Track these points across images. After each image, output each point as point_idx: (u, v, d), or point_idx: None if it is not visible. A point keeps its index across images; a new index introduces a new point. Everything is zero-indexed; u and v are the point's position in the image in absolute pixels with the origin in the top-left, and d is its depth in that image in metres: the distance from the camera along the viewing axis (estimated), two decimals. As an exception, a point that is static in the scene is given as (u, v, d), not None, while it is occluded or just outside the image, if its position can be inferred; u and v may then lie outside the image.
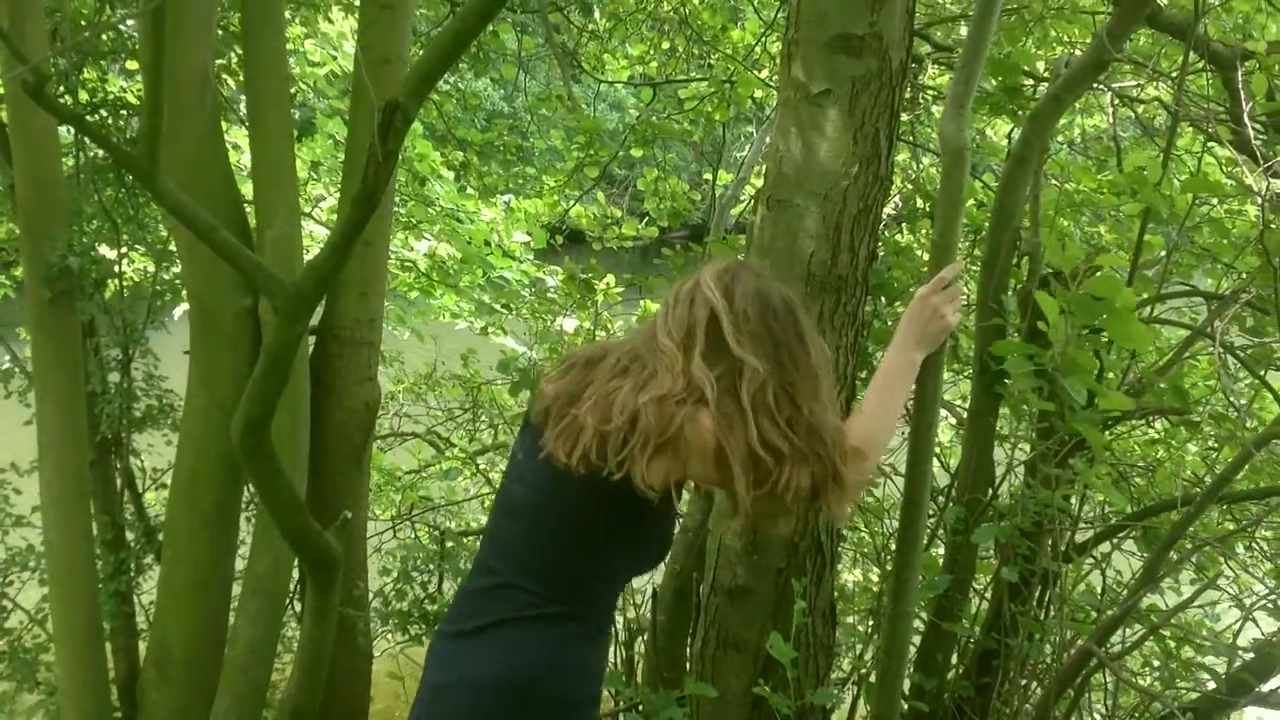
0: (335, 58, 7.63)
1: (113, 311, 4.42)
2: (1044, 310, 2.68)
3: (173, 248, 4.62)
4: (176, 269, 4.72)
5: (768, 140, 5.86)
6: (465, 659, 2.28)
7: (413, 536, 5.81)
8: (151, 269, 4.82)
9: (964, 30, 6.12)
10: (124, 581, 4.34)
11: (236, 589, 4.09)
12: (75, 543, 4.06)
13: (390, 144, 2.29)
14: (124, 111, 4.64)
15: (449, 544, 4.69)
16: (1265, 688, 3.35)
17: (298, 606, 4.50)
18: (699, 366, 2.14)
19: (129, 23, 4.75)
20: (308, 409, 3.98)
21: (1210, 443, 4.64)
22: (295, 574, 4.20)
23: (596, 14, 7.93)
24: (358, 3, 4.94)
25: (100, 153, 4.50)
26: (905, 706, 3.45)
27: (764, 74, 6.70)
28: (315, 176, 7.37)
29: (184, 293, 4.38)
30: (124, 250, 4.50)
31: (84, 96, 4.52)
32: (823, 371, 2.25)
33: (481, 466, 7.10)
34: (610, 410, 2.10)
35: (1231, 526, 3.87)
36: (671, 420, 2.07)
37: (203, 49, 3.77)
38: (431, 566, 4.54)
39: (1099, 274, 2.81)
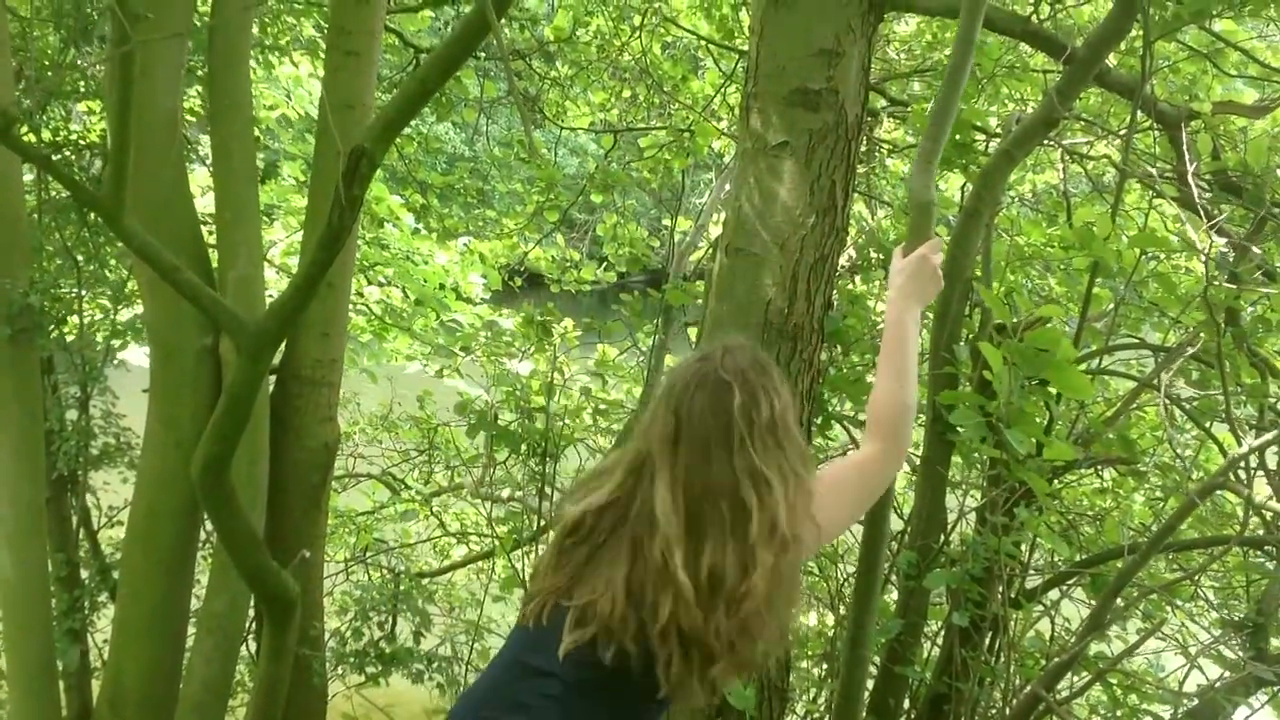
0: (289, 101, 7.63)
1: (72, 349, 4.41)
2: (988, 360, 2.75)
3: (132, 286, 4.62)
4: (136, 308, 4.72)
5: (726, 188, 5.93)
6: None
7: (367, 578, 5.81)
8: (110, 308, 4.81)
9: (917, 86, 6.25)
10: (78, 619, 4.31)
11: (192, 628, 4.07)
12: (30, 579, 4.04)
13: (355, 189, 2.33)
14: (88, 151, 4.65)
15: (403, 586, 4.69)
16: (1210, 734, 3.42)
17: (253, 646, 4.49)
18: None
19: (88, 60, 4.77)
20: (267, 448, 3.98)
21: (1157, 493, 4.72)
22: (251, 613, 4.20)
23: (559, 63, 8.02)
24: (323, 47, 4.99)
25: (63, 190, 4.51)
26: (858, 750, 3.48)
27: (723, 124, 6.79)
28: (269, 220, 7.36)
29: (144, 332, 4.39)
30: (84, 289, 4.50)
31: (47, 135, 4.53)
32: None
33: (435, 509, 7.11)
34: None
35: (1177, 574, 3.94)
36: None
37: (170, 92, 3.80)
38: (386, 607, 4.54)
39: (1042, 325, 2.89)
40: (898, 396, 2.26)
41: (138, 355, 4.85)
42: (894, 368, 2.29)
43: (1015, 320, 3.04)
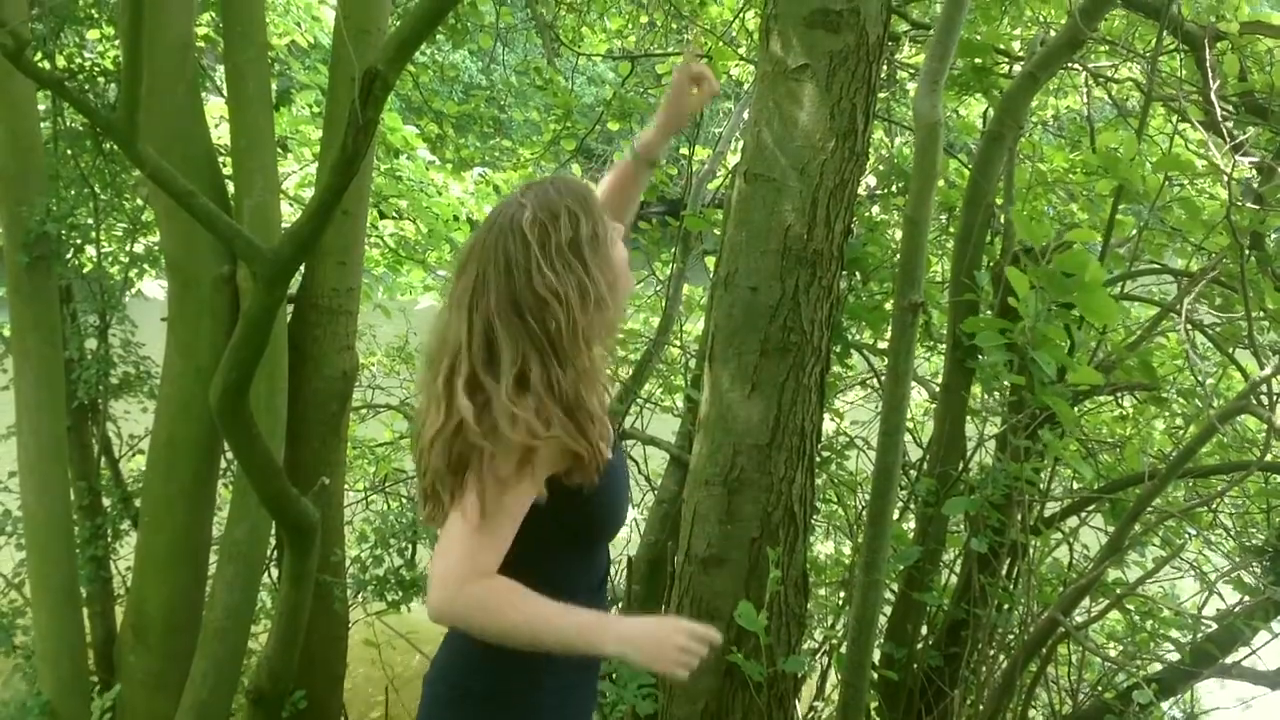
0: (300, 29, 7.54)
1: (90, 278, 4.42)
2: (1014, 285, 2.72)
3: (149, 216, 4.61)
4: (153, 239, 4.72)
5: (744, 116, 5.87)
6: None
7: (386, 507, 5.83)
8: (126, 239, 4.81)
9: (940, 8, 6.15)
10: (101, 546, 4.36)
11: (214, 556, 4.10)
12: (52, 508, 4.08)
13: (370, 111, 2.31)
14: (101, 79, 4.62)
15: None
16: (1229, 659, 3.42)
17: (275, 573, 4.52)
18: None
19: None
20: (286, 376, 3.98)
21: (1177, 421, 4.70)
22: (272, 540, 4.22)
23: (575, -13, 7.91)
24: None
25: (78, 119, 4.49)
26: (875, 675, 3.50)
27: (741, 50, 6.70)
28: (283, 151, 7.30)
29: (161, 261, 4.38)
30: (100, 219, 4.50)
31: (61, 63, 4.50)
32: None
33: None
34: None
35: (1196, 501, 3.93)
36: None
37: (183, 15, 3.77)
38: (406, 535, 4.56)
39: (1069, 250, 2.86)
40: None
41: (155, 289, 4.85)
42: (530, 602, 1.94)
43: (1041, 245, 3.01)
